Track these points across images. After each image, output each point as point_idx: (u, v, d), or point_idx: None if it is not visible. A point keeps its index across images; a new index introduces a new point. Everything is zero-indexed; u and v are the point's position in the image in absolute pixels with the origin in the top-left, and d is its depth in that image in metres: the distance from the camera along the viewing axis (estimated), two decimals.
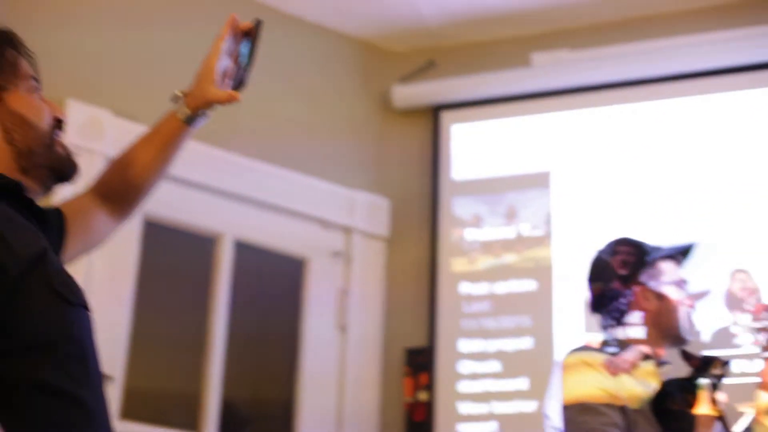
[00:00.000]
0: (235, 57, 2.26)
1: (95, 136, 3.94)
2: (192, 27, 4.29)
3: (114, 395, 3.78)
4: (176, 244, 4.28)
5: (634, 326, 2.72)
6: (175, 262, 4.34)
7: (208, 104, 2.24)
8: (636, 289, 2.73)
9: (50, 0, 4.06)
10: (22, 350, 1.68)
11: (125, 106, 4.06)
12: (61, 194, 3.54)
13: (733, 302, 4.00)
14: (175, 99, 2.27)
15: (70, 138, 3.70)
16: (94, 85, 4.06)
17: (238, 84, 2.23)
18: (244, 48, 2.25)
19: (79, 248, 2.24)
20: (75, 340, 1.76)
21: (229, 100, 2.21)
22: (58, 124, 2.02)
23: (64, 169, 2.00)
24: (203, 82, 2.22)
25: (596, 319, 2.78)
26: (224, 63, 2.24)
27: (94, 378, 1.78)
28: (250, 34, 2.25)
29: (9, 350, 1.67)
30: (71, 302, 1.77)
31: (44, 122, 1.98)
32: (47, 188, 2.00)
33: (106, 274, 3.91)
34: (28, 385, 1.67)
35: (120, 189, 2.31)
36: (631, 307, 2.72)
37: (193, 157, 4.12)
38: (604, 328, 2.75)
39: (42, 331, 1.71)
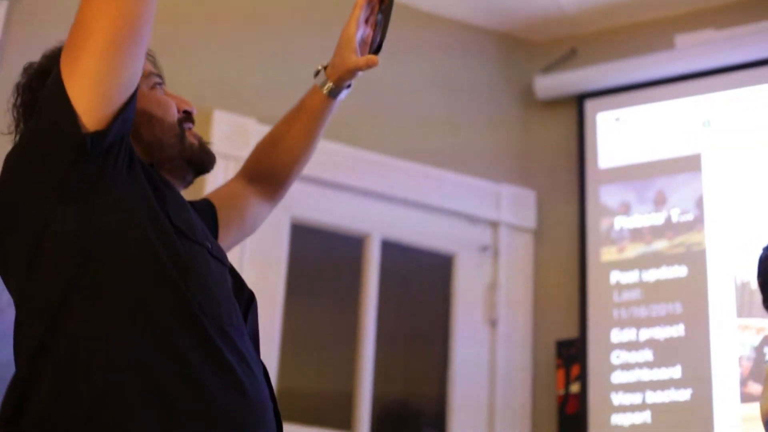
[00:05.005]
0: (373, 24, 2.24)
1: (242, 144, 4.03)
2: (332, 32, 4.36)
3: None
4: (324, 245, 4.35)
5: None
6: (323, 263, 4.41)
7: (350, 73, 2.22)
8: None
9: (193, 17, 4.17)
10: None
11: (269, 114, 4.15)
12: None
13: None
14: (317, 73, 2.27)
15: (217, 147, 3.83)
16: (239, 96, 4.15)
17: (376, 49, 2.19)
18: (379, 15, 2.23)
19: (234, 235, 2.24)
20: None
21: (368, 65, 2.18)
22: (187, 116, 2.04)
23: (200, 159, 2.02)
24: (343, 51, 2.21)
25: None
26: (362, 31, 2.23)
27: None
28: (384, 1, 2.24)
29: None
30: (189, 238, 1.83)
31: (170, 115, 2.00)
32: (186, 181, 2.03)
33: (256, 278, 3.96)
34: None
35: (269, 169, 2.31)
36: None
37: (338, 159, 4.22)
38: None
39: None
